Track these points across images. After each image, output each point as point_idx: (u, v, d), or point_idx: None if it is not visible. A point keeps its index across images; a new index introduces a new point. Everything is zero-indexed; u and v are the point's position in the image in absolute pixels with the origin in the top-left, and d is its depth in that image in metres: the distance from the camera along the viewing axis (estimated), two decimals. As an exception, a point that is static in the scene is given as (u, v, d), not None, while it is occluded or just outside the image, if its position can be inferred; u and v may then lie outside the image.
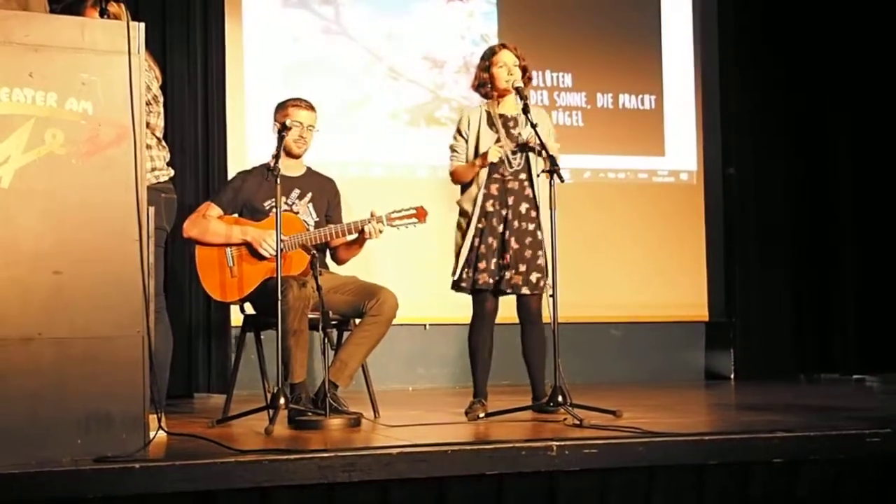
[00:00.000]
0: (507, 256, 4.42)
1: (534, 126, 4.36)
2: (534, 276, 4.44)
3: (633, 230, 7.09)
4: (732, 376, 7.10)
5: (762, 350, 7.12)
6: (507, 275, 4.41)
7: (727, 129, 7.27)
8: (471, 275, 4.44)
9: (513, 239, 4.43)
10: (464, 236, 4.47)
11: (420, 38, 6.82)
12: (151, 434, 3.18)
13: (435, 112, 6.80)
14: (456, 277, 4.48)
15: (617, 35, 7.17)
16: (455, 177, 4.59)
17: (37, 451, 2.94)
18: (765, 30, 7.25)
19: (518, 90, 4.45)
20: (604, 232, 6.99)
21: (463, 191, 4.57)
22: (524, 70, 4.55)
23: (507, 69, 4.51)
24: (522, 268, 4.43)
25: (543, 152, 4.32)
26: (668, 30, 7.31)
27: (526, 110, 4.39)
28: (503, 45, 4.59)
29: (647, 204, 7.14)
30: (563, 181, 4.25)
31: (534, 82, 5.10)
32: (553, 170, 4.22)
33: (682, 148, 7.27)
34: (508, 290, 4.45)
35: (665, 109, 7.24)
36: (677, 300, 7.14)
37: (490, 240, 4.45)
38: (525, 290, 4.44)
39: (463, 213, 4.53)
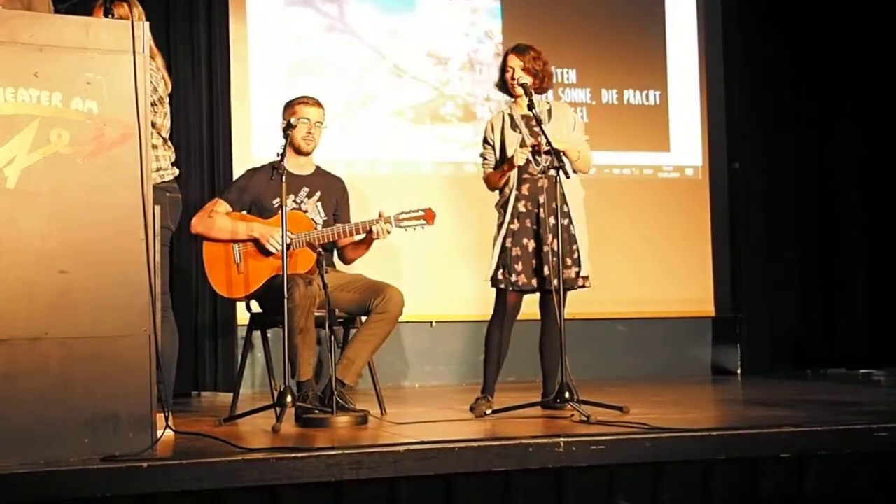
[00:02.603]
0: (546, 252, 4.37)
1: (539, 123, 4.35)
2: (575, 271, 4.46)
3: (639, 226, 7.07)
4: (739, 371, 7.08)
5: (769, 345, 7.09)
6: (555, 271, 4.36)
7: (732, 124, 7.24)
8: (507, 276, 4.42)
9: (550, 236, 4.39)
10: (496, 237, 4.48)
11: (424, 36, 6.81)
12: (159, 433, 3.19)
13: (439, 109, 6.79)
14: (491, 277, 4.46)
15: (621, 31, 7.15)
16: (488, 184, 4.62)
17: (44, 451, 2.95)
18: (769, 23, 7.22)
19: (524, 87, 4.44)
20: (609, 228, 6.97)
21: (500, 195, 4.57)
22: (535, 73, 4.51)
23: (511, 74, 4.50)
24: (569, 262, 4.41)
25: (550, 149, 4.29)
26: (672, 25, 7.29)
27: (531, 107, 4.37)
28: (515, 49, 4.55)
29: (652, 199, 7.12)
30: (567, 177, 4.25)
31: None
32: (558, 166, 4.21)
33: (687, 143, 7.25)
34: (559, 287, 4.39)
35: (670, 105, 7.22)
36: (683, 295, 7.12)
37: (525, 241, 4.44)
38: (581, 284, 4.44)
39: (499, 214, 4.53)
